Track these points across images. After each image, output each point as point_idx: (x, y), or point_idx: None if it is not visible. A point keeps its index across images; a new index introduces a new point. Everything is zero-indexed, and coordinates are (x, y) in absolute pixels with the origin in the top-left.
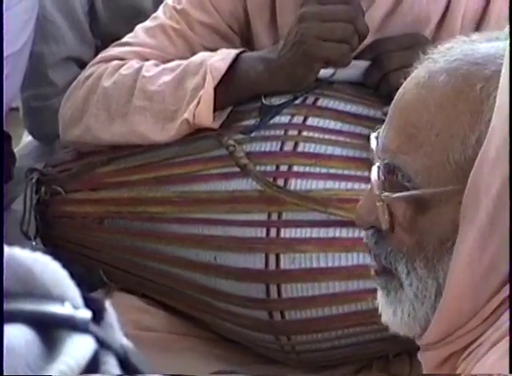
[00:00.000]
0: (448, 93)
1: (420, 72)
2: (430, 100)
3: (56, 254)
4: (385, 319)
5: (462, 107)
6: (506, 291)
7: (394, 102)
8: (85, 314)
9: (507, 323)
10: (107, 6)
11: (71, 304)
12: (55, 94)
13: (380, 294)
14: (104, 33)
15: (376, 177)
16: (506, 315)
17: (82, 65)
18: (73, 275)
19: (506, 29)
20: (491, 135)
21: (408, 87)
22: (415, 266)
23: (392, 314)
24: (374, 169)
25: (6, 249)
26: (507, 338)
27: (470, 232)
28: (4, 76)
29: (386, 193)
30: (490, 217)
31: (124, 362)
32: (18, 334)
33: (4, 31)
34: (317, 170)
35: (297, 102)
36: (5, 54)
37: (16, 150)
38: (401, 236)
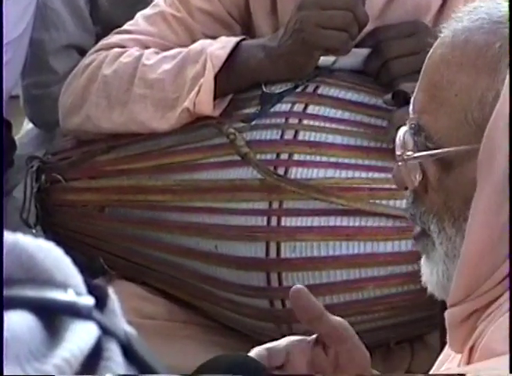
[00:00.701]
0: (469, 52)
1: (446, 32)
2: (452, 59)
3: (57, 243)
4: (424, 280)
5: (480, 66)
6: None
7: (424, 63)
8: (88, 301)
9: None
10: None
11: (74, 290)
12: (55, 81)
13: (422, 258)
14: (104, 20)
15: (402, 138)
16: None
17: (83, 52)
18: (76, 263)
19: None
20: (505, 92)
21: (434, 47)
22: (444, 226)
23: (430, 275)
24: (402, 130)
25: (9, 235)
26: None
27: (486, 189)
28: (4, 63)
29: (408, 153)
30: (504, 173)
31: (127, 349)
32: (20, 321)
33: (4, 17)
34: (318, 158)
35: (297, 90)
36: (5, 40)
37: (16, 137)
38: (432, 196)
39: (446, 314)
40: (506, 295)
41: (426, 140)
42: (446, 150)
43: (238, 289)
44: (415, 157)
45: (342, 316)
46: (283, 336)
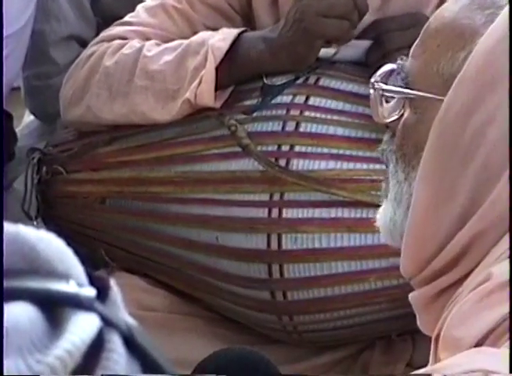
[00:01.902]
0: (463, 9)
1: None
2: (448, 12)
3: (58, 234)
4: (377, 222)
5: (465, 25)
6: (471, 232)
7: None
8: (90, 292)
9: (487, 271)
10: None
11: (76, 282)
12: (56, 73)
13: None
14: (105, 11)
15: (385, 72)
16: (485, 263)
17: (83, 43)
18: (77, 255)
19: None
20: (473, 55)
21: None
22: (397, 169)
23: (380, 217)
24: (389, 66)
25: (11, 226)
26: (487, 284)
27: (436, 147)
28: (6, 54)
29: (380, 84)
30: (455, 137)
31: (129, 340)
32: (22, 312)
33: (7, 9)
34: (319, 150)
35: (298, 81)
36: (7, 32)
37: (17, 129)
38: (397, 137)
39: (410, 298)
40: (468, 281)
41: (402, 80)
42: (408, 91)
43: (239, 281)
44: (382, 89)
45: (343, 308)
46: (284, 327)
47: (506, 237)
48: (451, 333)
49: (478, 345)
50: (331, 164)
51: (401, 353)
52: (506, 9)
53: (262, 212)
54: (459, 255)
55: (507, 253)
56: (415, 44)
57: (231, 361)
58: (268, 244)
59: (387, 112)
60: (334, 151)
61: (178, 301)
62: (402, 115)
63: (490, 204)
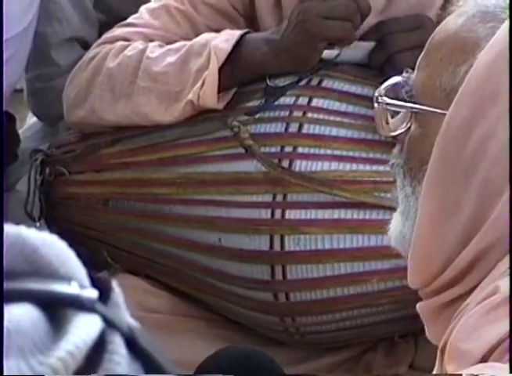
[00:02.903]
0: (465, 22)
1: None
2: (451, 25)
3: (60, 236)
4: (389, 232)
5: (468, 38)
6: (478, 247)
7: None
8: (92, 293)
9: (494, 285)
10: None
11: (78, 283)
12: (58, 75)
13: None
14: (109, 10)
15: (390, 85)
16: (492, 276)
17: (85, 45)
18: (79, 256)
19: None
20: (474, 69)
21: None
22: (405, 183)
23: (392, 227)
24: (394, 79)
25: (13, 228)
26: (494, 297)
27: (439, 161)
28: (9, 56)
29: (384, 98)
30: (457, 152)
31: (131, 341)
32: (24, 314)
33: (9, 11)
34: (322, 151)
35: (301, 83)
36: (10, 34)
37: (20, 131)
38: (404, 151)
39: (418, 308)
40: (474, 294)
41: (406, 93)
42: (411, 105)
43: (242, 282)
44: (386, 103)
45: (346, 310)
46: (287, 329)
47: None
48: (457, 345)
49: (485, 357)
50: (334, 166)
51: (403, 355)
52: (506, 22)
53: (265, 213)
54: (465, 270)
55: None
56: (421, 56)
57: (234, 360)
58: (271, 245)
59: (394, 125)
60: (337, 152)
61: (180, 302)
62: (409, 128)
63: (495, 219)
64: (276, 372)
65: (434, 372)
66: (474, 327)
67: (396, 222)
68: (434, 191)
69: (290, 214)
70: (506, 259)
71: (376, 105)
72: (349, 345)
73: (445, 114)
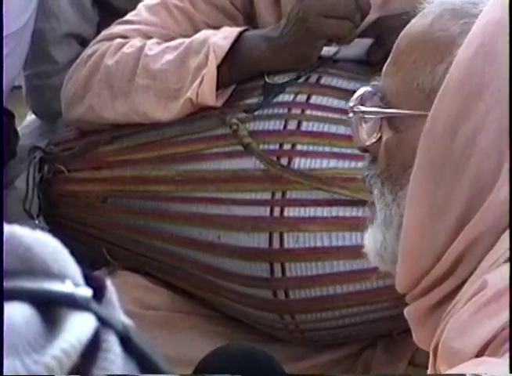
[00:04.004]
0: (435, 22)
1: (428, 5)
2: (418, 27)
3: (59, 233)
4: (365, 248)
5: (441, 37)
6: (466, 240)
7: None
8: (86, 292)
9: (481, 280)
10: None
11: (72, 281)
12: (56, 72)
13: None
14: (108, 6)
15: (360, 95)
16: (481, 269)
17: (83, 42)
18: (76, 254)
19: None
20: (454, 66)
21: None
22: (384, 191)
23: (369, 243)
24: (363, 89)
25: (6, 227)
26: (483, 293)
27: (425, 162)
28: (7, 53)
29: (359, 107)
30: (444, 150)
31: (125, 340)
32: (18, 312)
33: (8, 8)
34: (320, 149)
35: (300, 80)
36: (9, 31)
37: (19, 128)
38: (380, 159)
39: (406, 313)
40: (462, 291)
41: (380, 100)
42: (390, 110)
43: (241, 279)
44: (362, 111)
45: (345, 307)
46: (286, 326)
47: (500, 243)
48: (449, 344)
49: (478, 355)
50: (333, 163)
51: (402, 352)
52: (481, 16)
53: (264, 211)
54: (453, 265)
55: (502, 259)
56: (386, 63)
57: (234, 358)
58: (270, 243)
59: (365, 135)
60: (336, 150)
61: (180, 299)
62: (381, 137)
63: (484, 210)
64: (276, 370)
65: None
66: (465, 325)
67: (374, 235)
68: (422, 192)
69: (289, 211)
70: (494, 251)
71: (351, 115)
72: (348, 342)
73: (424, 116)
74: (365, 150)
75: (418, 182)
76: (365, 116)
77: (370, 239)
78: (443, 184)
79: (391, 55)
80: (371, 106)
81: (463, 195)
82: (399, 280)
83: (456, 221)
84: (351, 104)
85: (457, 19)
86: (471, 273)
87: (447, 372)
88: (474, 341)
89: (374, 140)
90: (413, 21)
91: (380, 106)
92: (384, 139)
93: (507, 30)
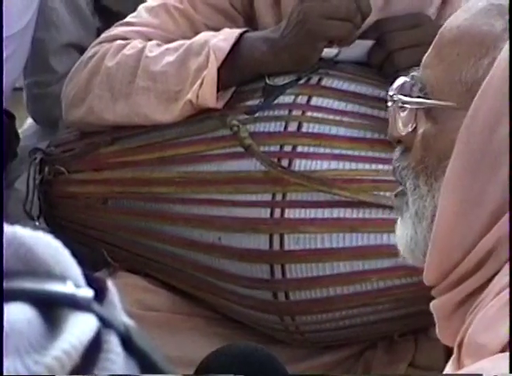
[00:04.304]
0: (480, 16)
1: None
2: (463, 20)
3: (59, 235)
4: (396, 242)
5: (486, 31)
6: (498, 234)
7: None
8: (87, 293)
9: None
10: None
11: (73, 282)
12: (55, 80)
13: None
14: (107, 10)
15: (400, 85)
16: (507, 267)
17: (83, 51)
18: (76, 255)
19: None
20: (499, 61)
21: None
22: (419, 183)
23: (400, 237)
24: (402, 79)
25: (8, 228)
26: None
27: (463, 154)
28: (8, 54)
29: (399, 96)
30: (483, 144)
31: (127, 340)
32: (20, 313)
33: (8, 10)
34: (321, 150)
35: (301, 82)
36: (9, 33)
37: (20, 130)
38: (414, 150)
39: (432, 307)
40: (490, 286)
41: (420, 91)
42: (430, 101)
43: (241, 281)
44: (403, 101)
45: (345, 308)
46: (287, 328)
47: None
48: (475, 339)
49: (503, 350)
50: (333, 165)
51: (403, 353)
52: None
53: (265, 212)
54: (483, 259)
55: None
56: (427, 54)
57: (236, 357)
58: (271, 245)
59: (401, 125)
60: (337, 151)
61: (180, 301)
62: (416, 128)
63: None
64: (278, 370)
65: (448, 369)
66: (492, 320)
67: (405, 228)
68: (458, 183)
69: (290, 213)
70: None
71: (390, 104)
72: (349, 343)
73: (464, 109)
74: (398, 141)
75: (455, 174)
76: (405, 105)
77: (401, 233)
78: (480, 177)
79: (431, 46)
80: (410, 97)
81: (499, 189)
82: (428, 272)
83: (491, 215)
84: (390, 93)
85: (503, 15)
86: (499, 269)
87: (470, 366)
88: (499, 336)
89: (410, 130)
90: (457, 14)
91: (419, 97)
92: (420, 129)
93: None
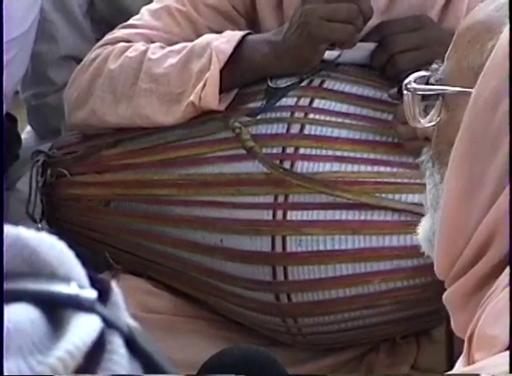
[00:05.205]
0: (492, 3)
1: None
2: (476, 10)
3: (62, 237)
4: (419, 236)
5: (494, 16)
6: (495, 217)
7: None
8: (91, 294)
9: None
10: (107, 5)
11: (77, 283)
12: (53, 91)
13: None
14: (101, 19)
15: (418, 75)
16: None
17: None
18: (79, 257)
19: None
20: (499, 43)
21: None
22: (433, 171)
23: (422, 230)
24: (417, 73)
25: (12, 229)
26: None
27: (466, 137)
28: (10, 58)
29: (413, 84)
30: (485, 125)
31: (130, 341)
32: (23, 314)
33: (10, 13)
34: (323, 152)
35: (303, 84)
36: (11, 36)
37: (22, 133)
38: (432, 140)
39: (444, 299)
40: (502, 278)
41: (435, 82)
42: (436, 87)
43: (243, 283)
44: (415, 88)
45: (347, 311)
46: (289, 330)
47: None
48: (485, 331)
49: None
50: (336, 167)
51: (405, 356)
52: None
53: (267, 214)
54: (484, 244)
55: None
56: (449, 48)
57: (237, 360)
58: (273, 247)
59: (428, 121)
60: (339, 153)
61: (182, 303)
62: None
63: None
64: (279, 372)
65: (460, 363)
66: (502, 312)
67: (426, 220)
68: (460, 166)
69: (292, 215)
70: None
71: (405, 92)
72: (351, 345)
73: (471, 93)
74: (425, 138)
75: (457, 157)
76: (418, 93)
77: (422, 226)
78: (480, 160)
79: (453, 39)
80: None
81: (498, 172)
82: (437, 261)
83: (490, 197)
84: (405, 82)
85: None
86: (503, 256)
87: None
88: (509, 328)
89: (434, 123)
90: (479, 6)
91: (432, 84)
92: (439, 119)
93: None
